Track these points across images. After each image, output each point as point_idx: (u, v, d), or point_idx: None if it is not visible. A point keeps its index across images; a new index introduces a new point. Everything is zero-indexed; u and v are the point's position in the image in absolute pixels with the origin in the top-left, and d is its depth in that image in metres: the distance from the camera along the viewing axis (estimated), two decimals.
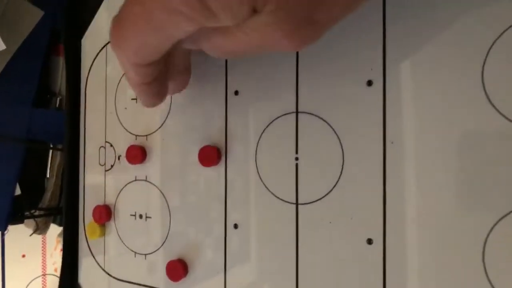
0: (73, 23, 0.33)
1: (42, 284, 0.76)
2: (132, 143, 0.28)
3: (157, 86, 0.19)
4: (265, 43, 0.14)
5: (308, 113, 0.21)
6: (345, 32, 0.20)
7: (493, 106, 0.17)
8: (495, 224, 0.17)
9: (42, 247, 0.76)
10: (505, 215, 0.17)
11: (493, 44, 0.17)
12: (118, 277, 0.29)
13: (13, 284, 0.72)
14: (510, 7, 0.17)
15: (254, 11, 0.12)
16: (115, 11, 0.16)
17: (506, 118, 0.17)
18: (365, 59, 0.20)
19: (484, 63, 0.17)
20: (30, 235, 0.52)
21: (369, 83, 0.20)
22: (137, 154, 0.27)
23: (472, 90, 0.17)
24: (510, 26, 0.17)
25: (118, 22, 0.15)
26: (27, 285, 0.74)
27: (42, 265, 0.76)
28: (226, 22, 0.13)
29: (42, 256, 0.76)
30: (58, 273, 0.32)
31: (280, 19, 0.13)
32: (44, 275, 0.76)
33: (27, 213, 0.49)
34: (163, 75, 0.20)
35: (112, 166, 0.29)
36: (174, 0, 0.12)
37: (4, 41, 0.38)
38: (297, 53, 0.22)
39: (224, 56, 0.18)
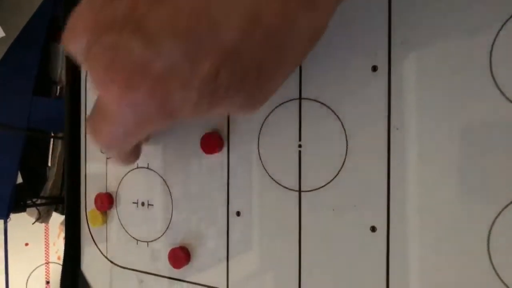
0: (73, 9, 0.32)
1: (45, 272, 0.77)
2: None
3: (135, 151, 0.22)
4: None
5: (311, 100, 0.21)
6: (349, 18, 0.20)
7: (502, 92, 0.17)
8: (500, 212, 0.17)
9: (45, 235, 0.76)
10: (511, 203, 0.16)
11: (501, 28, 0.16)
12: (121, 265, 0.29)
13: (16, 272, 0.72)
14: None
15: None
16: None
17: None
18: (369, 44, 0.19)
19: (492, 48, 0.17)
20: (33, 224, 0.52)
21: (374, 68, 0.19)
22: None
23: (479, 76, 0.17)
24: None
25: (92, 124, 0.17)
26: (30, 273, 0.75)
27: (45, 253, 0.77)
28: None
29: (45, 244, 0.77)
30: (61, 261, 0.32)
31: (237, 106, 0.15)
32: (47, 263, 0.77)
33: (29, 201, 0.49)
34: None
35: None
36: (149, 110, 0.14)
37: (3, 27, 0.38)
38: None
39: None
